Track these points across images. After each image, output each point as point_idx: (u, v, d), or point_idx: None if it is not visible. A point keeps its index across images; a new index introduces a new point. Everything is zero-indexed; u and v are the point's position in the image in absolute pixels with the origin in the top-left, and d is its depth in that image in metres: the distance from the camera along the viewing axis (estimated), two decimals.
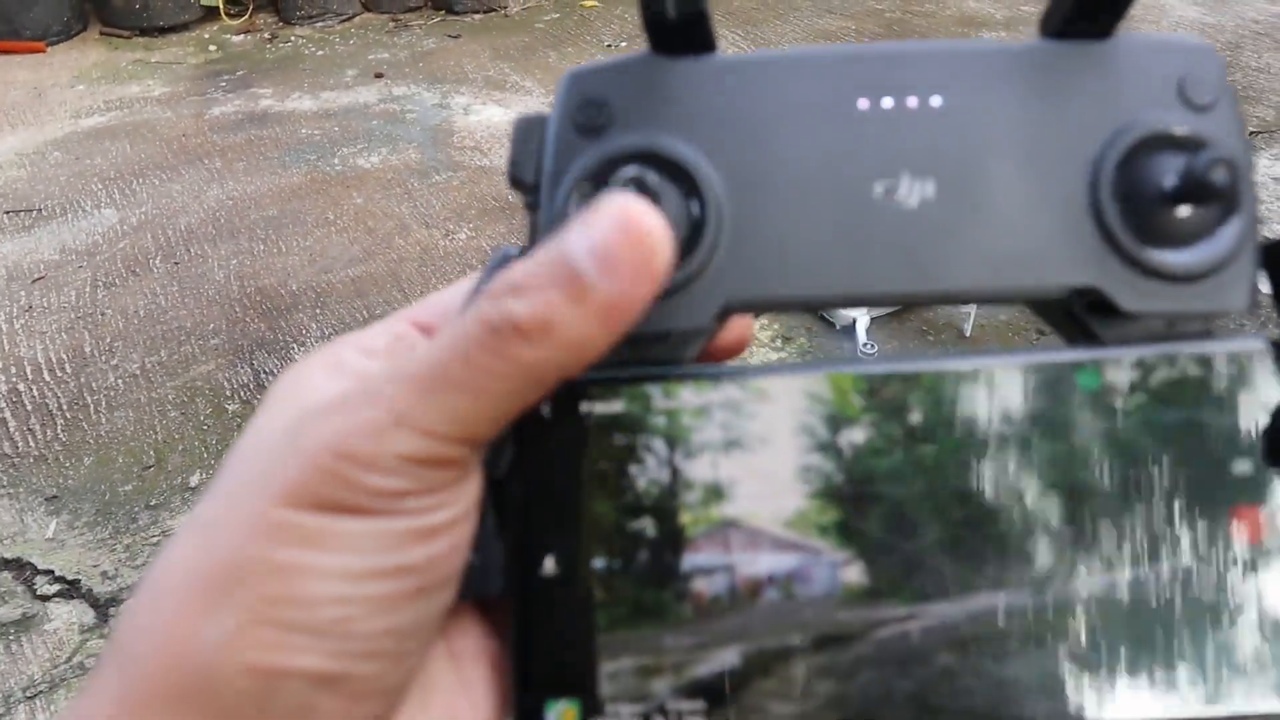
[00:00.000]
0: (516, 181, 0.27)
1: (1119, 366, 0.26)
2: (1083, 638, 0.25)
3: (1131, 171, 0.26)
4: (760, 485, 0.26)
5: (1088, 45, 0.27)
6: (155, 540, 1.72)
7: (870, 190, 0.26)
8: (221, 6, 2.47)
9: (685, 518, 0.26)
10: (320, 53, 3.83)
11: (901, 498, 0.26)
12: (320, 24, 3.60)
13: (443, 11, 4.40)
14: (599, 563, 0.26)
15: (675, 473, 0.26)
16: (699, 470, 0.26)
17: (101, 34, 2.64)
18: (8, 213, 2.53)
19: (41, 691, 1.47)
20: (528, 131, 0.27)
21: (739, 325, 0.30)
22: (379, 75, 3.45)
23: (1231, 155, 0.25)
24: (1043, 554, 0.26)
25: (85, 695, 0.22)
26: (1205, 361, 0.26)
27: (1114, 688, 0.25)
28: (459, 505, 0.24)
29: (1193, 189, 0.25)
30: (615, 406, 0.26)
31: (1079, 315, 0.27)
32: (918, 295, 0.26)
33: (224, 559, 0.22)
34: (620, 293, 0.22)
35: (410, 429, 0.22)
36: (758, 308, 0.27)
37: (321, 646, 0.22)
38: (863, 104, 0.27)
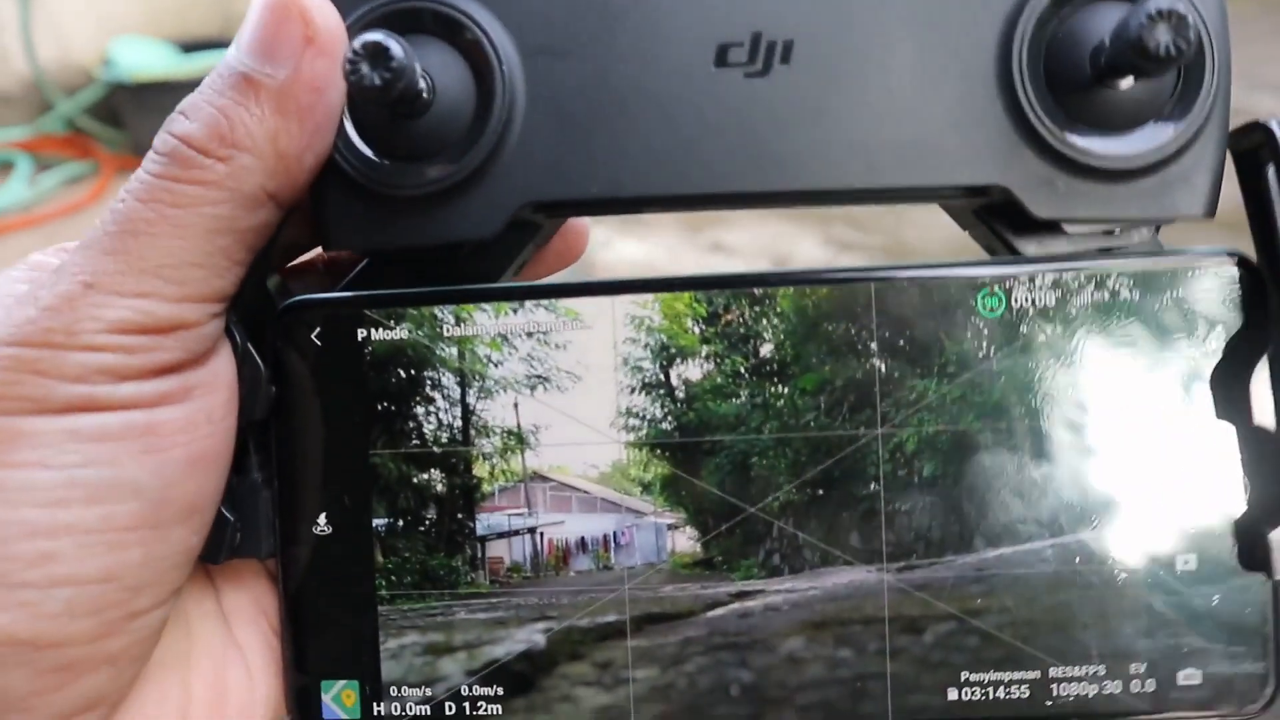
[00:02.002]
0: None
1: (1029, 285, 0.20)
2: (963, 622, 0.20)
3: (1056, 32, 0.20)
4: (572, 431, 0.21)
5: None
6: None
7: (708, 56, 0.20)
8: None
9: (481, 469, 0.21)
10: None
11: (746, 449, 0.21)
12: None
13: None
14: (380, 521, 0.21)
15: (469, 415, 0.21)
16: (498, 412, 0.21)
17: None
18: None
19: None
20: None
21: (573, 228, 0.25)
22: None
23: (1188, 4, 0.19)
24: (921, 521, 0.21)
25: None
26: (1145, 281, 0.20)
27: (1004, 684, 0.20)
28: (191, 404, 0.19)
29: (1129, 53, 0.18)
30: (398, 333, 0.21)
31: (991, 223, 0.22)
32: (764, 195, 0.21)
33: None
34: (291, 72, 0.19)
35: (107, 291, 0.18)
36: (563, 211, 0.22)
37: (14, 599, 0.17)
38: None
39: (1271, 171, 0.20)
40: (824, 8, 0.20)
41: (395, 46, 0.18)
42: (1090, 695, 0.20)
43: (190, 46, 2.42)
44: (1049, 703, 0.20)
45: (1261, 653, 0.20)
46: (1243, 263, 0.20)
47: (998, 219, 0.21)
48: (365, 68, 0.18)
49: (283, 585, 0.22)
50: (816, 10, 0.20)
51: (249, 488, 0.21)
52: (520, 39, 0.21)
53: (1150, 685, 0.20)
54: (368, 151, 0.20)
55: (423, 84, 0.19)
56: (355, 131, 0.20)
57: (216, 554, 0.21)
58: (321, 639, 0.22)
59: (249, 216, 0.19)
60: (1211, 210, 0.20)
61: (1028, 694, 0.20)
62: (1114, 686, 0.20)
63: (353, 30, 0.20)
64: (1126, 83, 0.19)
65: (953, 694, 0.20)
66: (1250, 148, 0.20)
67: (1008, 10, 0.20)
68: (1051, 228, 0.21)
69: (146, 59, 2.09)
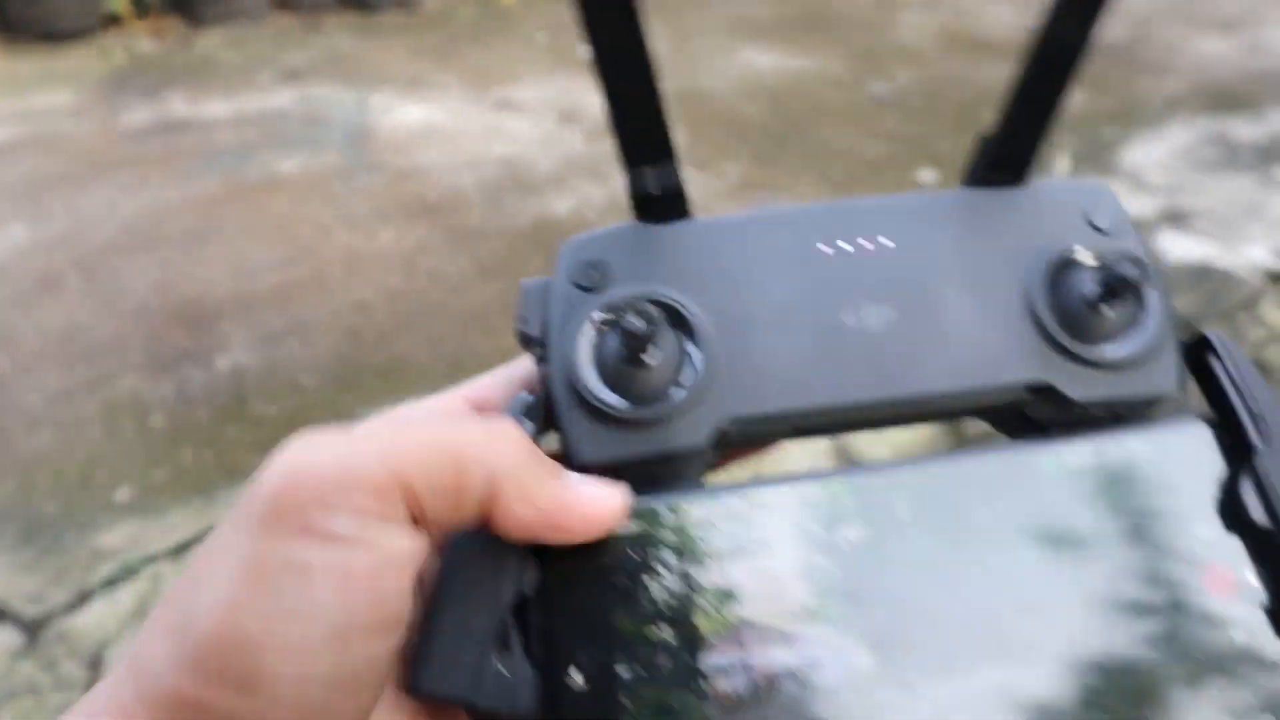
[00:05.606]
0: (525, 337, 0.30)
1: (1076, 454, 0.29)
2: (1093, 716, 0.27)
3: (1060, 283, 0.31)
4: (766, 585, 0.28)
5: (1006, 191, 0.33)
6: (84, 560, 1.62)
7: (838, 318, 0.31)
8: (126, 12, 2.38)
9: (701, 621, 0.28)
10: (233, 56, 3.68)
11: (894, 588, 0.28)
12: (231, 26, 3.51)
13: (356, 11, 4.31)
14: (624, 673, 0.27)
15: (688, 580, 0.28)
16: (710, 576, 0.28)
17: (3, 41, 2.54)
18: None
19: None
20: (531, 293, 0.31)
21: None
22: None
23: (1136, 256, 0.30)
24: (1033, 630, 0.28)
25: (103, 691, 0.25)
26: (1148, 440, 0.29)
27: None
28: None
29: (1108, 283, 0.29)
30: (631, 528, 0.28)
31: (1029, 412, 0.31)
32: (892, 402, 0.29)
33: (247, 555, 0.24)
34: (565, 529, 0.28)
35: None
36: (748, 425, 0.29)
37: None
38: (824, 249, 0.31)
39: (1214, 362, 0.30)
40: (910, 284, 0.31)
41: (650, 306, 0.27)
42: None
43: None
44: None
45: None
46: (1208, 421, 0.30)
47: (1040, 405, 0.31)
48: (629, 317, 0.27)
49: None
50: (905, 286, 0.31)
51: (516, 656, 0.27)
52: (712, 315, 0.30)
53: None
54: (608, 392, 0.28)
55: (654, 347, 0.28)
56: (600, 380, 0.28)
57: (502, 713, 0.26)
58: None
59: None
60: (1181, 388, 0.31)
61: None
62: None
63: (596, 311, 0.30)
64: (1109, 307, 0.30)
65: None
66: (1201, 349, 0.31)
67: (1026, 274, 0.31)
68: (1074, 407, 0.30)
69: None
